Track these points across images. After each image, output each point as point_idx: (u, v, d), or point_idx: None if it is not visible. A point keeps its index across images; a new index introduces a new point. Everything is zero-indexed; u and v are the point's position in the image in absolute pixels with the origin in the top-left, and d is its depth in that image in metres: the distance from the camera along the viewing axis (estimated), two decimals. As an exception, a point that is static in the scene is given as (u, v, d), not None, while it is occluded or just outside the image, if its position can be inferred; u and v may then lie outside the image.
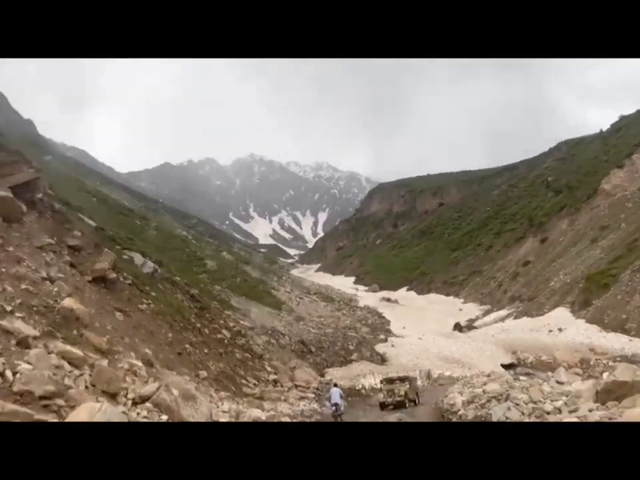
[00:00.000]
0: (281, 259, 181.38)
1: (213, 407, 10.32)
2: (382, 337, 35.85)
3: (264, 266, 70.49)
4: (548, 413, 7.75)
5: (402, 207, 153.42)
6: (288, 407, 15.32)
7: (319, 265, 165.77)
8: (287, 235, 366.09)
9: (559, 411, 7.70)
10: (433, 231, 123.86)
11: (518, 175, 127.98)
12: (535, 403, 8.32)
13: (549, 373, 16.96)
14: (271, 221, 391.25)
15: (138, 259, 16.02)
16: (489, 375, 19.05)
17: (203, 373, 12.48)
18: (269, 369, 19.91)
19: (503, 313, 52.91)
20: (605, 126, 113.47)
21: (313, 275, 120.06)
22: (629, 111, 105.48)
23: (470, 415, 10.02)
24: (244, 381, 15.02)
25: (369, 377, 25.27)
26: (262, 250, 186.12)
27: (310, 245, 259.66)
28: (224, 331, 17.30)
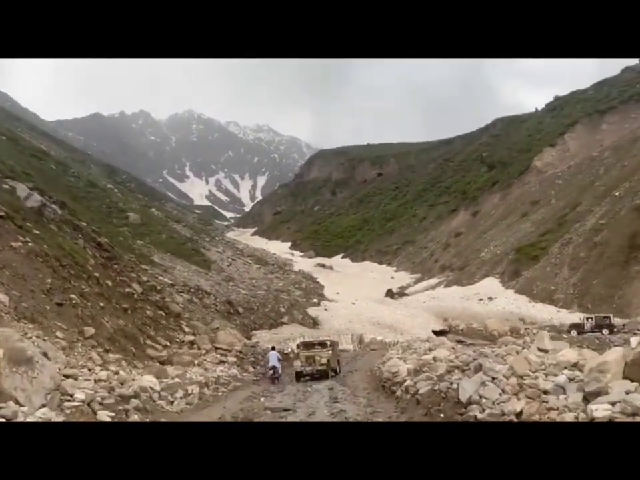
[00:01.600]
0: (216, 221, 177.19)
1: (70, 373, 8.31)
2: (315, 300, 35.01)
3: (196, 225, 67.54)
4: (546, 393, 5.68)
5: (341, 175, 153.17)
6: (200, 373, 13.49)
7: (255, 229, 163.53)
8: (224, 197, 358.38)
9: (563, 390, 5.61)
10: (370, 200, 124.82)
11: (454, 149, 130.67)
12: (521, 377, 6.22)
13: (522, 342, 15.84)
14: (207, 182, 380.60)
15: (21, 190, 13.48)
16: (426, 340, 18.36)
17: (90, 330, 10.25)
18: (186, 329, 18.05)
19: (433, 281, 53.84)
20: (540, 106, 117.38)
21: (249, 239, 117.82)
22: (564, 92, 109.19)
23: (422, 388, 8.23)
24: (149, 342, 13.13)
25: (299, 340, 24.17)
26: (196, 211, 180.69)
27: (247, 209, 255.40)
28: (134, 285, 15.32)
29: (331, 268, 78.89)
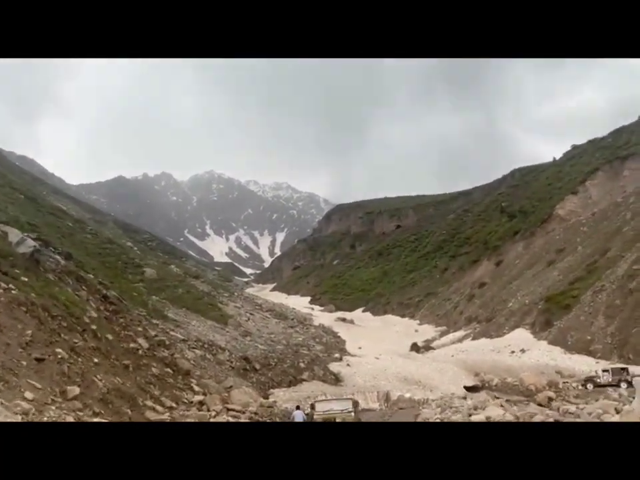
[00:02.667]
0: (236, 277, 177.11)
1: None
2: (337, 355, 33.38)
3: (215, 281, 66.91)
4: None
5: (360, 228, 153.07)
6: None
7: (274, 284, 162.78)
8: (244, 254, 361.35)
9: None
10: (390, 253, 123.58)
11: (472, 200, 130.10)
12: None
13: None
14: (227, 239, 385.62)
15: (14, 235, 12.76)
16: (464, 397, 16.66)
17: (74, 390, 8.71)
18: (196, 388, 16.41)
19: (460, 333, 51.65)
20: (558, 155, 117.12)
21: (268, 294, 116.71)
22: (580, 141, 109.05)
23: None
24: (151, 403, 11.70)
25: (320, 398, 22.39)
26: (217, 268, 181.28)
27: (267, 265, 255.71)
28: (140, 340, 14.23)
29: (352, 322, 76.97)
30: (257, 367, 23.02)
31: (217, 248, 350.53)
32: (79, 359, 9.08)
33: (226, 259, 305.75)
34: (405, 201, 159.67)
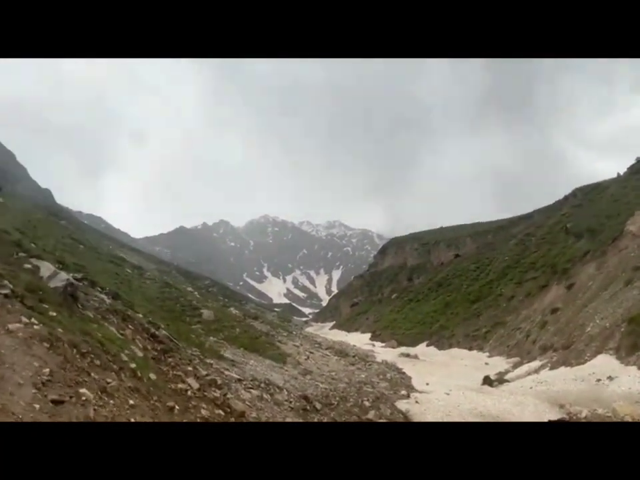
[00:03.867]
0: (295, 317, 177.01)
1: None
2: (403, 392, 31.40)
3: (274, 322, 66.43)
4: None
5: (416, 260, 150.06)
6: None
7: (333, 322, 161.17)
8: (301, 294, 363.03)
9: None
10: (450, 283, 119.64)
11: (534, 223, 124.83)
12: None
13: None
14: (285, 280, 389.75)
15: (46, 269, 12.29)
16: None
17: None
18: None
19: (535, 364, 47.92)
20: (622, 170, 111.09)
21: (328, 333, 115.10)
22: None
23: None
24: None
25: None
26: (276, 309, 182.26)
27: (324, 303, 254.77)
28: (189, 380, 13.26)
29: (416, 357, 73.92)
30: (318, 406, 21.61)
31: (275, 289, 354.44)
32: (111, 401, 8.15)
33: (284, 300, 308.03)
34: (462, 229, 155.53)
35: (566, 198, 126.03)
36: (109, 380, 8.60)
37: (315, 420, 20.77)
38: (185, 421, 10.14)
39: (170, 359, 14.15)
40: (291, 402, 21.55)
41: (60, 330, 8.56)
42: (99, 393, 7.96)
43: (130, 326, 14.32)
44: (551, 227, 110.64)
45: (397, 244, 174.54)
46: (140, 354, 12.33)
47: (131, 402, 8.68)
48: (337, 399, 24.47)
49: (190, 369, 14.37)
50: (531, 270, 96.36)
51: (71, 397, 6.64)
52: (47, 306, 9.71)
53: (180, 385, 12.51)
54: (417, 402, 29.14)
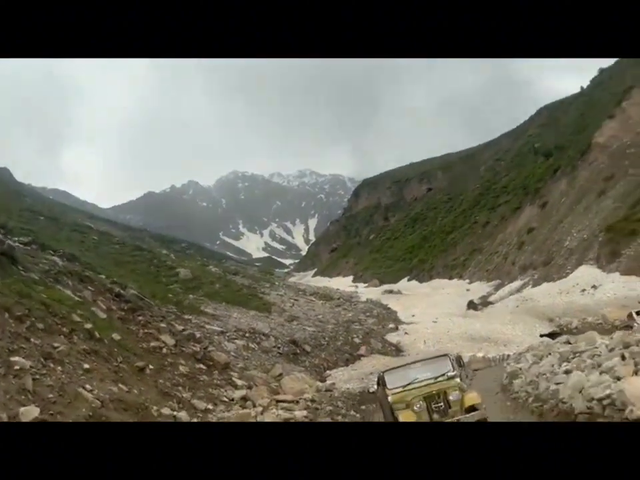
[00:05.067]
0: (276, 270, 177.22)
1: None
2: (391, 326, 31.37)
3: (255, 275, 65.83)
4: None
5: (390, 199, 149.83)
6: None
7: (314, 270, 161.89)
8: (280, 246, 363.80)
9: None
10: (425, 217, 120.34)
11: (502, 148, 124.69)
12: None
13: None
14: (262, 235, 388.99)
15: None
16: (567, 342, 13.85)
17: (30, 411, 6.04)
18: (238, 382, 14.05)
19: (516, 284, 48.75)
20: (584, 83, 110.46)
21: (310, 281, 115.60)
22: (607, 64, 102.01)
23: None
24: (168, 411, 9.09)
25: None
26: (256, 264, 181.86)
27: (304, 253, 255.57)
28: (164, 337, 12.37)
29: (399, 292, 74.88)
30: (308, 349, 21.14)
31: (253, 245, 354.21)
32: (59, 367, 7.14)
33: (263, 254, 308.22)
34: (432, 163, 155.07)
35: (531, 118, 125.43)
36: (55, 344, 7.58)
37: (306, 363, 20.43)
38: (160, 380, 9.36)
39: (140, 318, 13.19)
40: (279, 348, 21.00)
41: (-14, 292, 7.42)
42: (42, 359, 6.95)
43: (90, 287, 13.20)
44: (519, 149, 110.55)
45: (369, 185, 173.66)
46: (102, 315, 11.34)
47: (86, 366, 7.73)
48: (326, 339, 24.13)
49: (164, 325, 13.45)
50: (503, 194, 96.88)
51: (-1, 366, 5.65)
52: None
53: (153, 343, 11.63)
54: (406, 333, 29.14)
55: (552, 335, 22.12)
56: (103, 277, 15.56)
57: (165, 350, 11.70)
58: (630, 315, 21.35)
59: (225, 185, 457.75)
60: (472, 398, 9.06)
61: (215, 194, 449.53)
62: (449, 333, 25.88)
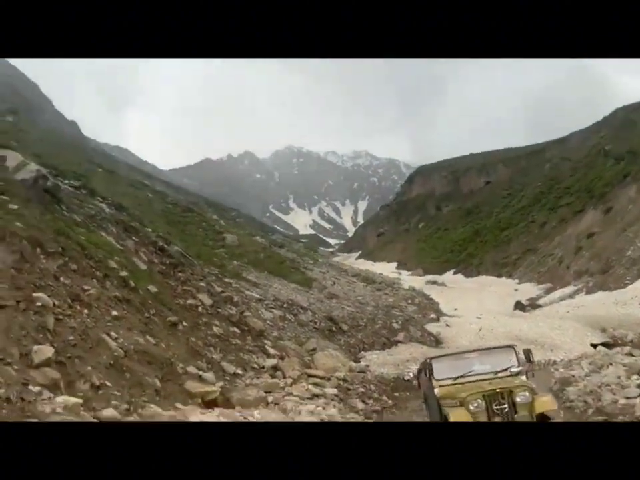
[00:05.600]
0: (321, 248, 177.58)
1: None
2: (433, 316, 30.55)
3: (300, 250, 65.98)
4: None
5: (445, 189, 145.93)
6: (277, 415, 8.60)
7: (359, 252, 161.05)
8: (327, 225, 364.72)
9: None
10: (480, 211, 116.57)
11: (570, 147, 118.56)
12: None
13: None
14: (310, 212, 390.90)
15: (12, 159, 10.80)
16: (630, 354, 12.94)
17: (43, 350, 5.81)
18: (270, 350, 13.71)
19: (569, 289, 46.53)
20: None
21: (354, 263, 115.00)
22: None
23: None
24: (194, 370, 9.06)
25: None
26: (302, 240, 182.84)
27: (350, 235, 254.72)
28: (201, 296, 12.18)
29: (443, 284, 73.37)
30: (345, 328, 20.73)
31: (301, 221, 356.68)
32: (85, 311, 6.95)
33: (310, 231, 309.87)
34: (493, 155, 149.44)
35: (605, 119, 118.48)
36: (86, 287, 7.42)
37: (342, 341, 20.10)
38: (192, 338, 9.18)
39: (180, 274, 13.11)
40: (315, 323, 20.70)
41: (19, 224, 7.26)
42: (69, 300, 6.80)
43: (134, 238, 13.18)
44: (589, 149, 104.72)
45: (424, 172, 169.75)
46: (143, 266, 11.29)
47: (115, 313, 7.57)
48: (365, 320, 23.63)
49: (203, 285, 13.33)
50: (566, 195, 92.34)
51: (18, 302, 5.48)
52: (6, 198, 8.34)
53: (190, 301, 11.51)
54: (447, 325, 28.28)
55: (605, 346, 20.77)
56: (149, 229, 15.62)
57: (200, 309, 11.56)
58: None
59: (280, 159, 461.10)
60: (545, 403, 7.36)
61: (269, 167, 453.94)
62: (493, 331, 24.85)
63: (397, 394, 15.15)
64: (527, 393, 7.33)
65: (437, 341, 24.01)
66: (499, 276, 79.23)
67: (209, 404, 8.55)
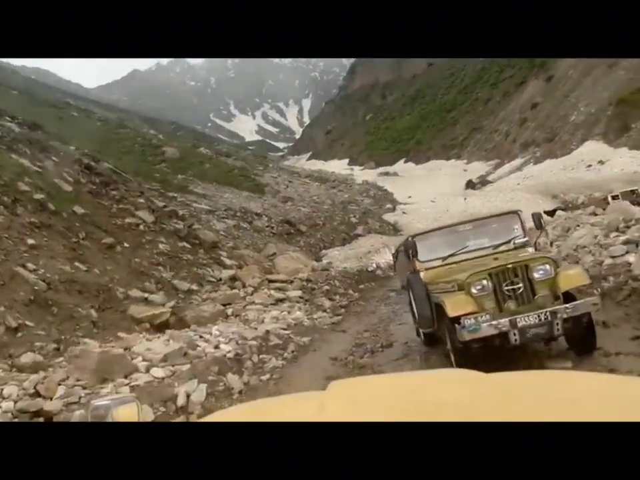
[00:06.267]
0: (270, 153, 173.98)
1: None
2: (389, 206, 30.70)
3: (248, 158, 64.01)
4: None
5: (388, 76, 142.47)
6: (229, 335, 7.75)
7: (309, 153, 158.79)
8: (273, 129, 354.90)
9: None
10: (424, 95, 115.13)
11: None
12: None
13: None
14: (254, 117, 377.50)
15: None
16: (595, 213, 12.86)
17: None
18: (227, 261, 13.27)
19: (517, 162, 47.54)
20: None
21: (305, 164, 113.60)
22: None
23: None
24: (139, 293, 8.75)
25: (383, 251, 19.54)
26: (249, 147, 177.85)
27: (298, 135, 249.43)
28: (141, 213, 11.42)
29: (395, 174, 73.83)
30: (303, 228, 20.40)
31: (246, 127, 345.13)
32: None
33: (257, 137, 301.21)
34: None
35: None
36: None
37: (301, 243, 19.90)
38: (136, 259, 8.53)
39: (114, 192, 12.06)
40: (272, 227, 20.22)
41: None
42: None
43: (54, 158, 11.87)
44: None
45: (366, 62, 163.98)
46: (67, 188, 10.22)
47: (32, 242, 6.78)
48: (322, 219, 23.39)
49: (142, 201, 12.35)
50: (507, 68, 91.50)
51: None
52: None
53: (128, 220, 10.64)
54: (404, 213, 28.54)
55: (554, 212, 21.24)
56: (72, 148, 14.17)
57: (142, 227, 10.74)
58: (605, 199, 20.13)
59: (213, 63, 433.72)
60: (574, 277, 5.71)
61: (203, 72, 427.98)
62: (449, 212, 25.17)
63: (362, 286, 15.26)
64: (547, 267, 5.67)
65: (395, 229, 24.23)
66: (448, 159, 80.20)
67: (160, 327, 8.06)
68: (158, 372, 6.14)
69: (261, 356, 7.46)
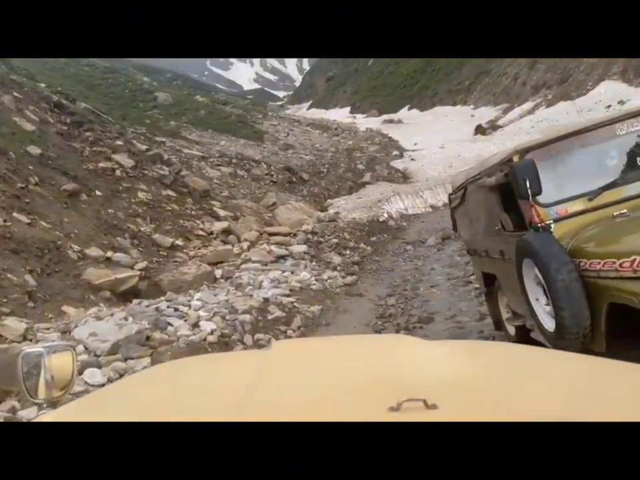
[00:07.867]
0: (269, 102, 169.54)
1: None
2: (396, 153, 29.14)
3: (247, 106, 61.64)
4: None
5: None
6: (228, 295, 6.57)
7: (310, 102, 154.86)
8: (272, 77, 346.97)
9: None
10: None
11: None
12: None
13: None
14: (252, 64, 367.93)
15: None
16: None
17: None
18: (220, 212, 11.83)
19: (528, 105, 45.38)
20: None
21: (305, 113, 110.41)
22: None
23: None
24: (99, 251, 7.52)
25: (394, 200, 18.06)
26: (248, 96, 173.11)
27: (298, 83, 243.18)
28: (118, 157, 10.07)
29: (400, 122, 71.63)
30: (305, 177, 18.92)
31: (244, 76, 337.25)
32: None
33: (255, 86, 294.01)
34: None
35: None
36: None
37: (304, 192, 18.49)
38: (109, 210, 7.34)
39: (88, 134, 10.68)
40: (272, 175, 18.69)
41: None
42: None
43: (15, 93, 10.44)
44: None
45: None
46: (29, 127, 8.89)
47: None
48: (326, 167, 21.83)
49: (120, 143, 10.94)
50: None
51: None
52: None
53: (102, 164, 9.33)
54: (412, 159, 27.02)
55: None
56: (43, 85, 12.66)
57: (119, 172, 9.42)
58: None
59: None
60: None
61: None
62: (461, 157, 23.63)
63: (373, 238, 13.90)
64: None
65: (404, 176, 22.80)
66: (454, 104, 77.59)
67: (126, 296, 6.50)
68: (96, 376, 4.46)
69: (256, 336, 5.98)
